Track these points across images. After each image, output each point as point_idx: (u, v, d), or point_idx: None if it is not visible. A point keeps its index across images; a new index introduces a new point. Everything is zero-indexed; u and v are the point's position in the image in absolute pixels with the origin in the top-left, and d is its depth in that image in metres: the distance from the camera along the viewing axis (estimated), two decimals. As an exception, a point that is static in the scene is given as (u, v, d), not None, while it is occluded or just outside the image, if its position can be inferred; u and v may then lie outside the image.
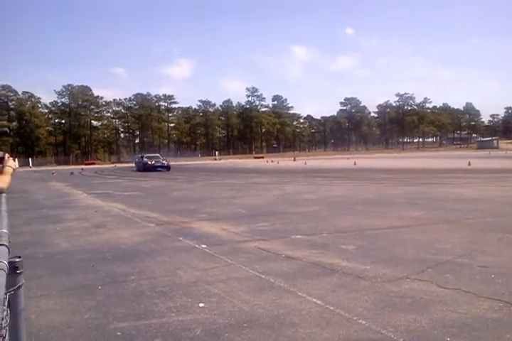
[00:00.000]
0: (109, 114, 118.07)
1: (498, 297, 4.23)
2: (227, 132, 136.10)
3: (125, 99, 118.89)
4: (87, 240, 8.01)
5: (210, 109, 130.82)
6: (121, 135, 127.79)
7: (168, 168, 39.58)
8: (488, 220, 8.64)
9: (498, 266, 5.34)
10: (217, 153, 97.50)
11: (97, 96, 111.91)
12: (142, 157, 42.49)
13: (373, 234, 7.70)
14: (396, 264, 5.57)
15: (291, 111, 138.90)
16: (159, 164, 39.76)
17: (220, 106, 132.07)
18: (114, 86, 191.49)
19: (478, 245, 6.48)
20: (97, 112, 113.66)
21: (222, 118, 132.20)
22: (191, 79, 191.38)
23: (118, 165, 72.65)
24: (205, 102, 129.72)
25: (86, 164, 79.61)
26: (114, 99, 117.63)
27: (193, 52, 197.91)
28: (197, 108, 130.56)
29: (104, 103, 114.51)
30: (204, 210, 11.58)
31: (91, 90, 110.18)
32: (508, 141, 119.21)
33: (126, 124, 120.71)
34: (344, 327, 3.67)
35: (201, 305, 4.32)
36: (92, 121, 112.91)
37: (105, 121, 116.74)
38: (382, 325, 3.69)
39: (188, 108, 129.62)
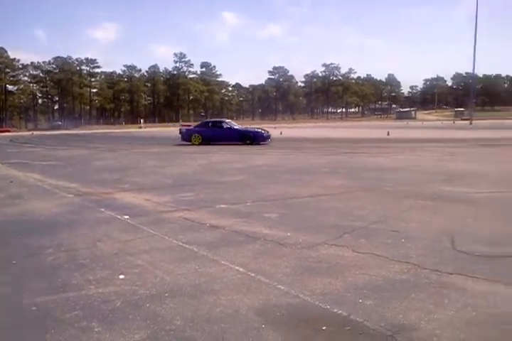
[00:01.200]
0: (26, 78, 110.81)
1: (407, 260, 4.53)
2: (153, 99, 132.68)
3: (44, 62, 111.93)
4: (2, 211, 7.61)
5: (136, 75, 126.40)
6: (39, 101, 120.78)
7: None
8: (402, 188, 9.14)
9: (408, 230, 5.70)
10: (142, 120, 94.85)
11: (13, 59, 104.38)
12: (220, 122, 27.19)
13: (297, 202, 7.92)
14: (316, 231, 5.78)
15: (219, 79, 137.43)
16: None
17: (146, 71, 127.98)
18: (33, 49, 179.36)
19: (392, 211, 6.87)
20: (12, 76, 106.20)
21: (148, 85, 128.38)
22: (117, 44, 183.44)
23: (36, 132, 68.85)
24: (131, 67, 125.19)
25: (0, 131, 74.67)
26: (32, 62, 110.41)
27: (119, 15, 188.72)
28: (121, 73, 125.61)
29: (20, 66, 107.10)
30: (127, 180, 11.33)
31: (6, 52, 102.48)
32: (425, 112, 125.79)
33: (45, 89, 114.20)
34: (264, 293, 3.79)
35: (122, 276, 4.27)
36: (8, 86, 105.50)
37: (22, 86, 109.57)
38: (300, 289, 3.85)
39: (111, 73, 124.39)
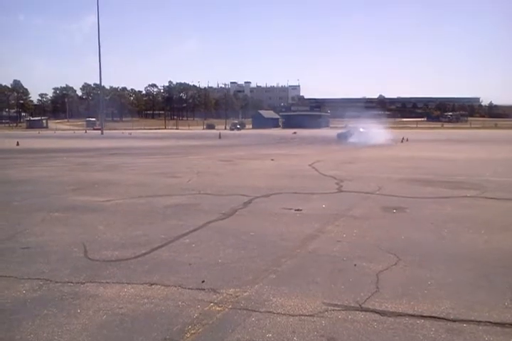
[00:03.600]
0: None
1: (39, 276, 4.41)
2: None
3: None
4: None
5: None
6: None
7: None
8: (33, 201, 8.78)
9: (40, 245, 5.54)
10: None
11: None
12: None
13: None
14: None
15: None
16: None
17: None
18: None
19: (22, 227, 6.52)
20: None
21: None
22: None
23: None
24: None
25: None
26: None
27: None
28: None
29: None
30: None
31: None
32: (57, 121, 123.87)
33: None
34: None
35: None
36: None
37: None
38: None
39: None
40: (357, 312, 3.62)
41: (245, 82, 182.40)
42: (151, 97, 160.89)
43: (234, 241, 5.79)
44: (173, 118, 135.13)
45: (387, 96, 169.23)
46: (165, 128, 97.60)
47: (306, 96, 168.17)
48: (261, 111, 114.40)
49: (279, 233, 6.21)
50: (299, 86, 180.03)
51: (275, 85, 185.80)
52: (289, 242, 5.74)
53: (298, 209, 7.75)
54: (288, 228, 6.51)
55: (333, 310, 3.65)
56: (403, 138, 34.12)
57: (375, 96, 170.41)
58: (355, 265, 4.78)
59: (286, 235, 6.10)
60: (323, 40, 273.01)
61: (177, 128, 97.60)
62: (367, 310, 3.64)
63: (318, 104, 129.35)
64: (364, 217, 7.28)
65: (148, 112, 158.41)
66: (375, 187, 10.40)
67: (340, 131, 43.61)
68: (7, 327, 3.34)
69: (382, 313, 3.59)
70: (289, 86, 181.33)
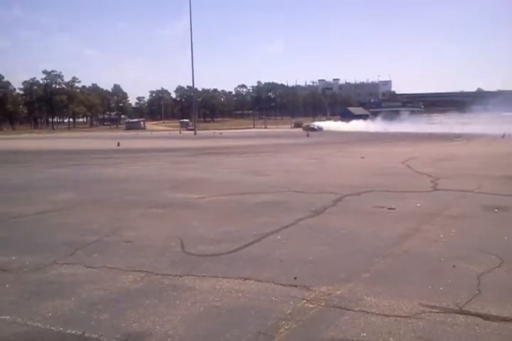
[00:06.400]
0: None
1: (141, 268, 4.67)
2: None
3: None
4: None
5: None
6: None
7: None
8: (133, 198, 9.29)
9: (140, 239, 5.86)
10: None
11: None
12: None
13: (20, 221, 7.24)
14: (43, 250, 5.42)
15: None
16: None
17: None
18: None
19: (123, 222, 6.94)
20: None
21: None
22: None
23: None
24: None
25: None
26: None
27: None
28: None
29: None
30: None
31: None
32: (154, 122, 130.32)
33: None
34: (-16, 328, 3.38)
35: None
36: None
37: None
38: (28, 316, 3.56)
39: None
40: (457, 315, 3.44)
41: (334, 79, 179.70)
42: (240, 97, 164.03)
43: (325, 239, 5.75)
44: (262, 118, 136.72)
45: (486, 89, 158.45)
46: (254, 128, 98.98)
47: (397, 92, 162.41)
48: (349, 108, 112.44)
49: (372, 231, 6.07)
50: (390, 81, 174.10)
51: (365, 81, 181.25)
52: (382, 241, 5.60)
53: (391, 208, 7.52)
54: (381, 226, 6.34)
55: (431, 312, 3.50)
56: (504, 134, 31.93)
57: (473, 89, 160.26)
58: (454, 266, 4.55)
59: (379, 234, 5.95)
60: (414, 30, 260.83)
61: (265, 127, 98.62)
62: (468, 314, 3.45)
63: (410, 100, 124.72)
64: (462, 217, 6.92)
65: (238, 112, 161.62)
66: (474, 185, 9.83)
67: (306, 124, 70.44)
68: (114, 315, 3.56)
69: (485, 317, 3.38)
70: (380, 81, 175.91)
